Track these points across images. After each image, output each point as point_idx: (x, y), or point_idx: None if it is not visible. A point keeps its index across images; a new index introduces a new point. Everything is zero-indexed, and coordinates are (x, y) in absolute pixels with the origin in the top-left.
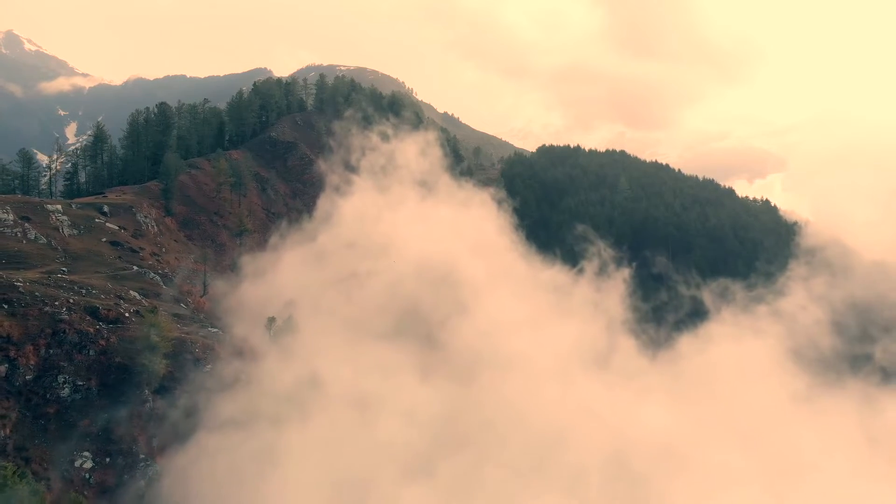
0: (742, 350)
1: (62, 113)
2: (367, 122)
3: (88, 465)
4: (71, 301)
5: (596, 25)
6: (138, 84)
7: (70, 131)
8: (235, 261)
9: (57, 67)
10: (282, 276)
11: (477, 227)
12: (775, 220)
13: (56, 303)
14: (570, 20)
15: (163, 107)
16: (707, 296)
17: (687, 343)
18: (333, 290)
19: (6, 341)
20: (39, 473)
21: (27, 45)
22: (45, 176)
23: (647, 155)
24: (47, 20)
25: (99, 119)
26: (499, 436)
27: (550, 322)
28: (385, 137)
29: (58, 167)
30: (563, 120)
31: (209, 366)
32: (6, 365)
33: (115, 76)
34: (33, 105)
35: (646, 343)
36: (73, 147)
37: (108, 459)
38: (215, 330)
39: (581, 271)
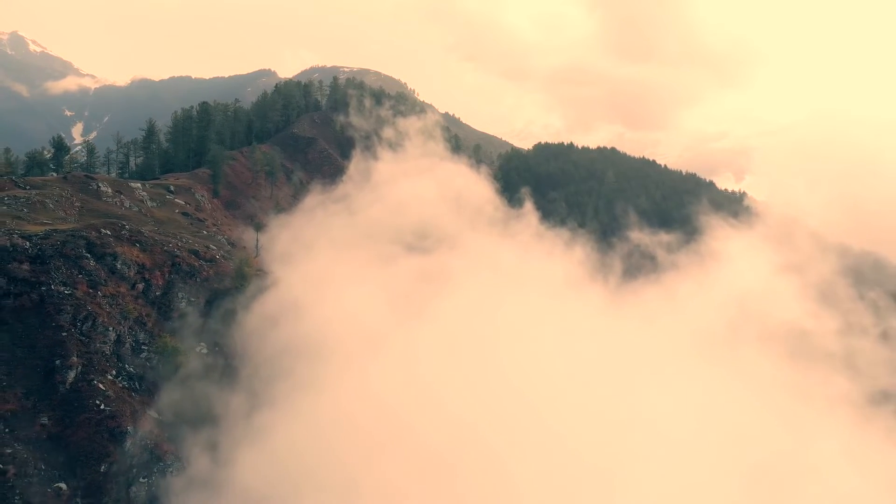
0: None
1: (68, 113)
2: (377, 103)
3: (205, 351)
4: (179, 245)
5: (595, 28)
6: (143, 85)
7: (76, 131)
8: (271, 224)
9: (62, 68)
10: (313, 230)
11: (474, 192)
12: (742, 207)
13: (170, 245)
14: (569, 22)
15: (204, 105)
16: (661, 255)
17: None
18: (354, 232)
19: (143, 268)
20: None
21: (32, 46)
22: (104, 164)
23: (646, 155)
24: (51, 21)
25: (105, 119)
26: None
27: (528, 256)
28: (397, 112)
29: (116, 156)
30: (563, 121)
31: (275, 292)
32: (143, 284)
33: (120, 77)
34: (39, 105)
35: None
36: (78, 146)
37: (216, 348)
38: (274, 274)
39: (552, 229)
